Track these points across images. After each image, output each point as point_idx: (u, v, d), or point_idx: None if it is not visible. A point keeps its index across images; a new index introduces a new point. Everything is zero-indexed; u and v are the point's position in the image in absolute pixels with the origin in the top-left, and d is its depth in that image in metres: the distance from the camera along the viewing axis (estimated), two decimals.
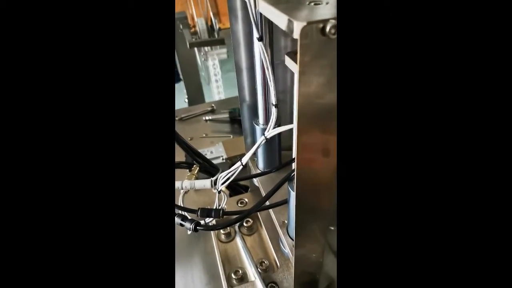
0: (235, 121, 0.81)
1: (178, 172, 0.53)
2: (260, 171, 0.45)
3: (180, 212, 0.36)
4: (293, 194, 0.31)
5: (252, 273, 0.44)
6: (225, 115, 0.81)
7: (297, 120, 0.21)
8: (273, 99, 0.28)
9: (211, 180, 0.40)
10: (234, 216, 0.34)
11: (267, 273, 0.43)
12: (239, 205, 0.53)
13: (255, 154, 0.50)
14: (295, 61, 0.31)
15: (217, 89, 1.40)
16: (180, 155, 0.69)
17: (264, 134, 0.31)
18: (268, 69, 0.26)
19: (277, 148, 0.44)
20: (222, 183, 0.38)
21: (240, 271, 0.43)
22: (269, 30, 0.33)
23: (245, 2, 0.36)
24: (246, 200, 0.53)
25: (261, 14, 0.32)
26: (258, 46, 0.24)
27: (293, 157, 0.42)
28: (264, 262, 0.44)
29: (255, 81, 0.38)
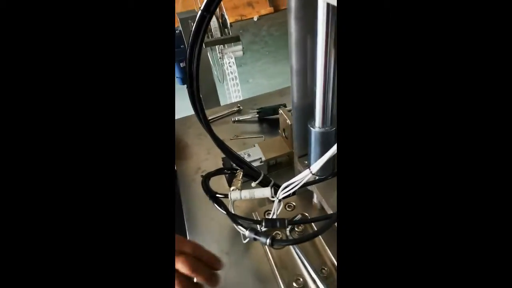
0: (263, 120, 0.79)
1: (216, 178, 0.51)
2: (316, 175, 0.43)
3: (250, 224, 0.35)
4: None
5: (311, 281, 0.42)
6: (253, 115, 0.79)
7: None
8: None
9: (271, 189, 0.39)
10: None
11: (328, 280, 0.42)
12: (287, 209, 0.51)
13: (304, 156, 0.49)
14: None
15: (233, 87, 1.38)
16: (212, 159, 0.68)
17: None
18: None
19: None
20: (286, 192, 0.36)
21: (301, 279, 0.42)
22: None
23: (301, 1, 0.34)
24: (294, 203, 0.52)
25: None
26: None
27: None
28: (324, 269, 0.43)
29: (315, 82, 0.36)
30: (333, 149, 0.30)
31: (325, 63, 0.34)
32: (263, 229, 0.37)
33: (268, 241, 0.29)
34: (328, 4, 0.29)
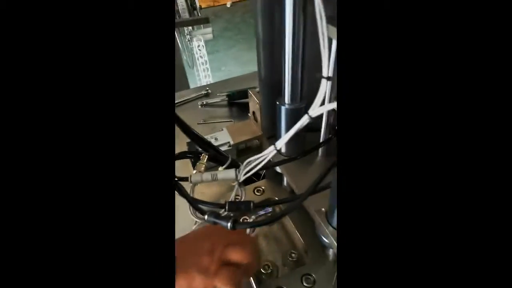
0: (233, 104, 0.76)
1: (180, 162, 0.47)
2: (284, 156, 0.41)
3: (209, 208, 0.32)
4: None
5: (281, 266, 0.41)
6: (222, 99, 0.76)
7: None
8: (325, 70, 0.24)
9: (236, 170, 0.36)
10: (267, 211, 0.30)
11: (298, 264, 0.40)
12: (256, 193, 0.49)
13: (273, 137, 0.46)
14: None
15: (204, 72, 1.32)
16: (179, 144, 0.63)
17: (307, 112, 0.27)
18: (323, 31, 0.21)
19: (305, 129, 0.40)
20: (248, 171, 0.33)
21: (270, 265, 0.40)
22: None
23: None
24: (263, 187, 0.50)
25: None
26: (316, 3, 0.20)
27: (322, 140, 0.39)
28: (294, 253, 0.41)
29: (283, 53, 0.33)
30: (299, 124, 0.27)
31: (293, 33, 0.31)
32: (227, 213, 0.35)
33: (229, 224, 0.26)
34: None
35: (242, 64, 2.50)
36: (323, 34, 0.21)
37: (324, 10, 0.21)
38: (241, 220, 0.45)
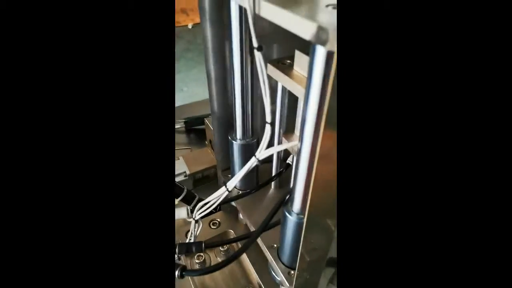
0: (191, 131, 0.75)
1: None
2: (238, 191, 0.40)
3: None
4: (291, 219, 0.28)
5: None
6: (180, 125, 0.74)
7: (321, 136, 0.18)
8: (268, 117, 0.24)
9: (187, 209, 0.35)
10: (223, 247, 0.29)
11: None
12: (212, 226, 0.48)
13: (228, 169, 0.46)
14: (284, 72, 0.28)
15: None
16: None
17: (255, 155, 0.27)
18: (265, 83, 0.22)
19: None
20: (202, 211, 0.33)
21: None
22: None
23: (215, 2, 0.32)
24: (219, 220, 0.49)
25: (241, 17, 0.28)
26: (256, 57, 0.21)
27: (274, 174, 0.40)
28: None
29: (233, 91, 0.33)
30: (248, 166, 0.28)
31: (241, 72, 0.32)
32: (179, 255, 0.33)
33: (177, 273, 0.25)
34: (240, 7, 0.27)
35: (204, 85, 2.49)
36: (264, 84, 0.22)
37: (264, 61, 0.21)
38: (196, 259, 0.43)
